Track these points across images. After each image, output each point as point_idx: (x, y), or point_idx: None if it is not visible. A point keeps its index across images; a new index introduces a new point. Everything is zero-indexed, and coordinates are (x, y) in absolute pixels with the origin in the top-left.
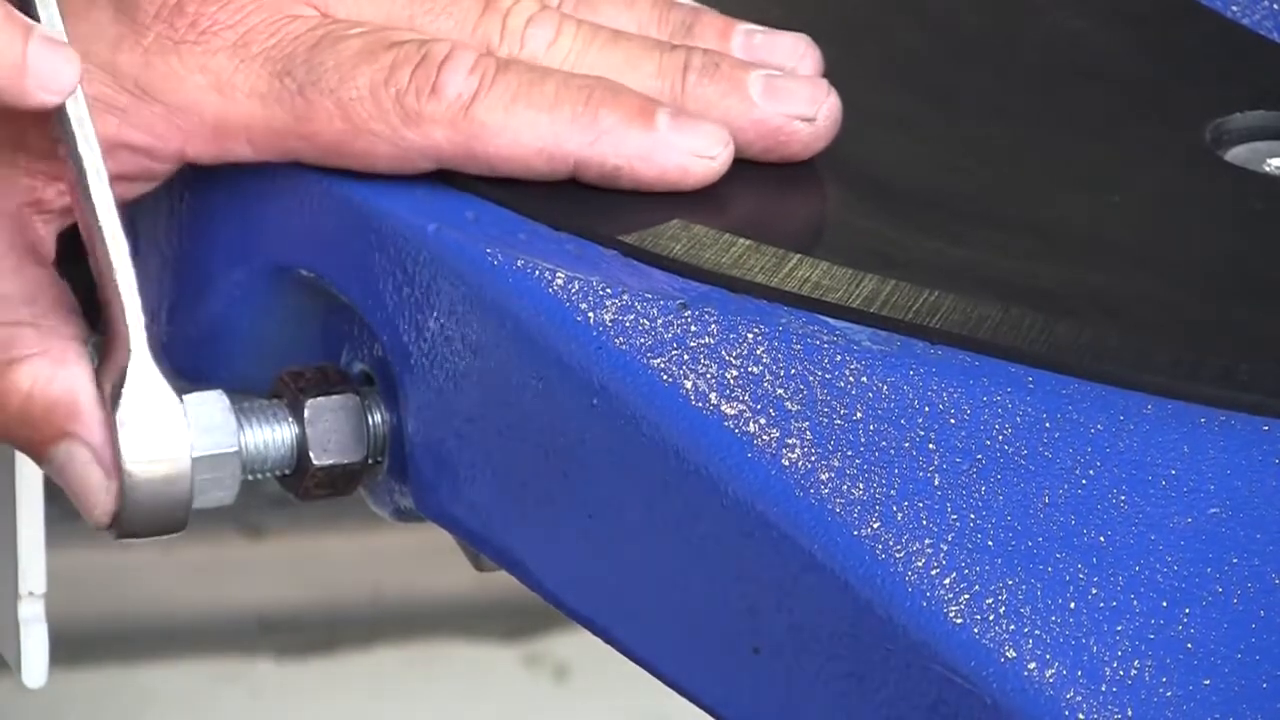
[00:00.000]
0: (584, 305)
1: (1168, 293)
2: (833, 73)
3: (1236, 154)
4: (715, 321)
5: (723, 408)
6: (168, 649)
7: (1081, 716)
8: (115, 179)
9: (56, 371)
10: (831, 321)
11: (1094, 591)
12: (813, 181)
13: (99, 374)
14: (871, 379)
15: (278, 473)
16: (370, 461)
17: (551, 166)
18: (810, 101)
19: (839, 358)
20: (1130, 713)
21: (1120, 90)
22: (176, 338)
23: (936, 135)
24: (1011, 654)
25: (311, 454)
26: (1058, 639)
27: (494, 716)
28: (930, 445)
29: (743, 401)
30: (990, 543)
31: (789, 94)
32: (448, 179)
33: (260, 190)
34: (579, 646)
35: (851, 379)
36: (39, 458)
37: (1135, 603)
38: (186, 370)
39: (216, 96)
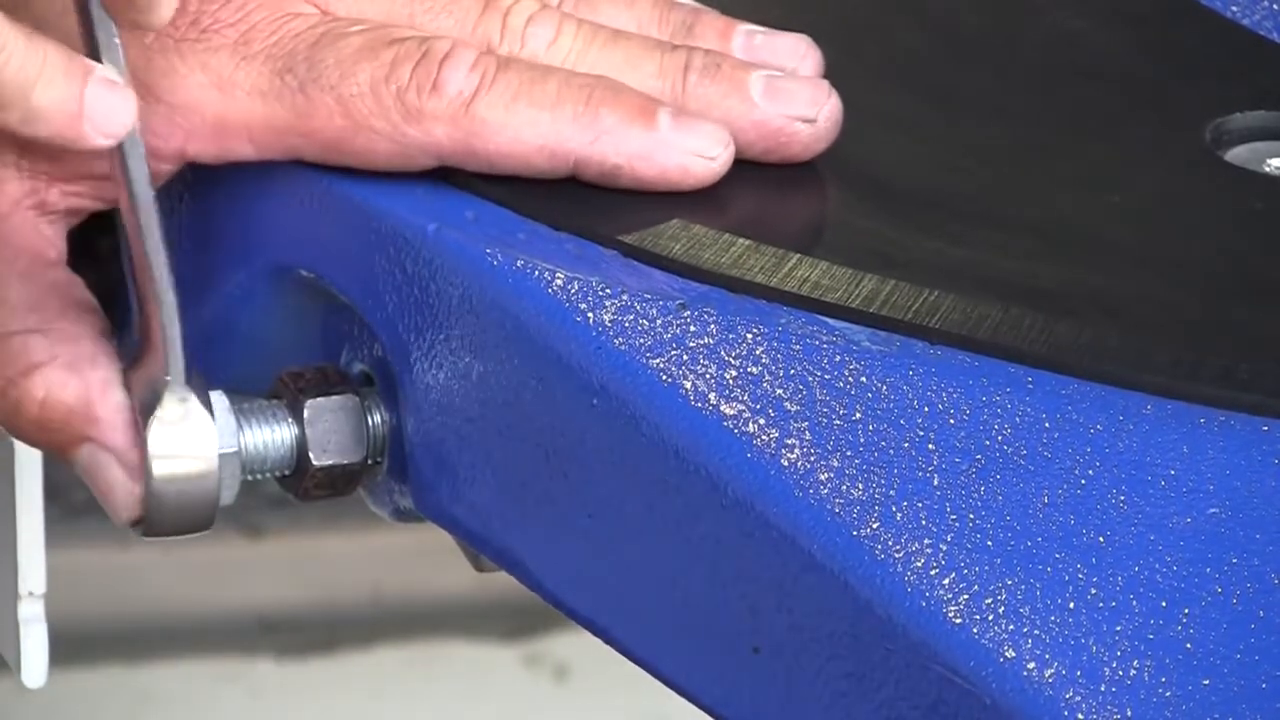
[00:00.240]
0: (584, 305)
1: (1168, 293)
2: (833, 73)
3: (1236, 154)
4: (715, 322)
5: (722, 408)
6: (168, 649)
7: (1081, 716)
8: None
9: (69, 377)
10: (831, 321)
11: (1093, 591)
12: (812, 181)
13: (128, 375)
14: (871, 379)
15: (277, 473)
16: (370, 462)
17: (552, 164)
18: (811, 103)
19: (838, 358)
20: (1129, 713)
21: (1120, 90)
22: None
23: (936, 135)
24: (1011, 654)
25: (311, 454)
26: (1057, 639)
27: (494, 716)
28: (930, 445)
29: (742, 401)
30: (990, 543)
31: (790, 95)
32: (447, 178)
33: (260, 191)
34: (579, 646)
35: (851, 379)
36: (65, 461)
37: (1134, 603)
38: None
39: (217, 94)
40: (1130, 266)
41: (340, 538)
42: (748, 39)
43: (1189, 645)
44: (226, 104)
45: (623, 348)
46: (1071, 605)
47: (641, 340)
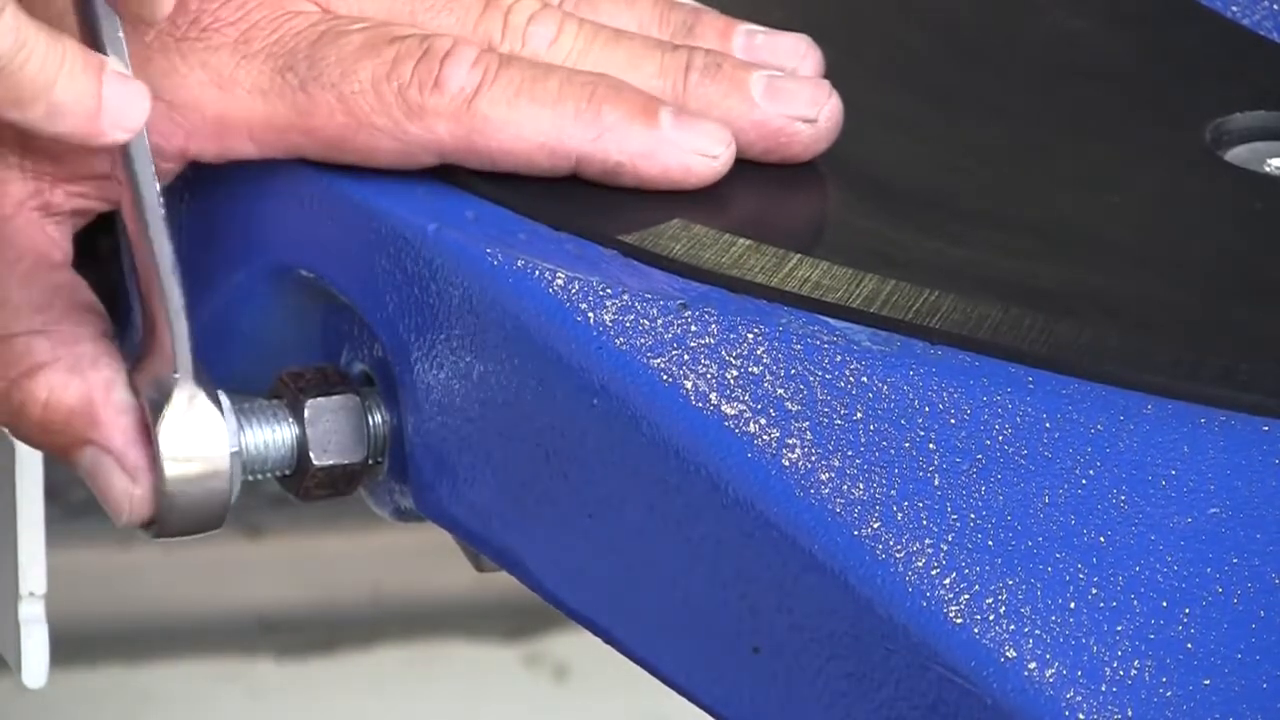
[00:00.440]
0: (584, 305)
1: (1168, 293)
2: (833, 72)
3: (1236, 154)
4: (715, 321)
5: (723, 408)
6: (168, 649)
7: (1081, 717)
8: None
9: (71, 379)
10: (832, 321)
11: (1094, 591)
12: (813, 181)
13: (133, 375)
14: (872, 379)
15: (278, 473)
16: (370, 462)
17: (553, 162)
18: (811, 103)
19: (839, 358)
20: (1130, 713)
21: (1120, 90)
22: None
23: (936, 135)
24: (1011, 654)
25: (311, 454)
26: (1058, 639)
27: (494, 716)
28: (930, 445)
29: (743, 401)
30: (990, 543)
31: (790, 95)
32: (448, 178)
33: (261, 191)
34: (579, 646)
35: (852, 379)
36: (68, 463)
37: (1135, 603)
38: None
39: (218, 93)
40: (1130, 266)
41: (340, 538)
42: (748, 39)
43: (1190, 645)
44: (227, 102)
45: (623, 348)
46: (1072, 605)
47: (642, 340)
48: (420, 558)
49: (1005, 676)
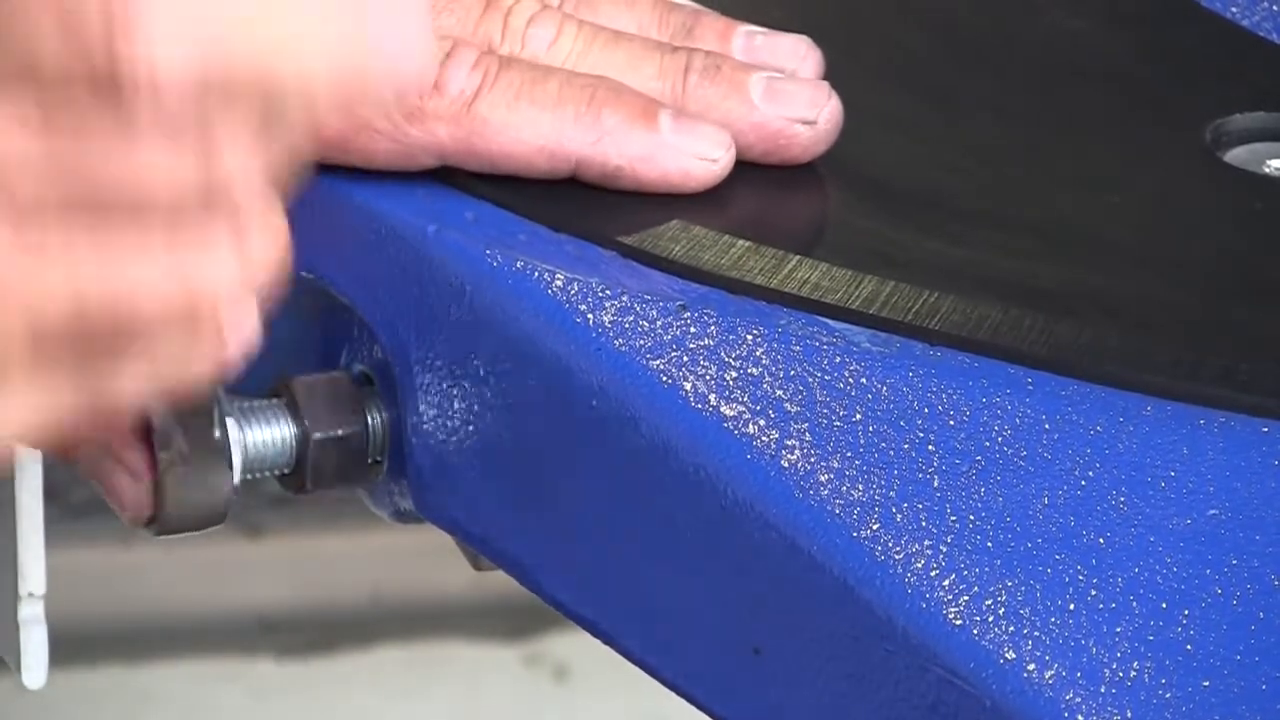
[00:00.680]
0: (583, 307)
1: (1168, 293)
2: (832, 73)
3: (1236, 155)
4: (715, 323)
5: (722, 409)
6: (168, 649)
7: (1081, 718)
8: None
9: None
10: (831, 323)
11: (1093, 593)
12: (812, 182)
13: None
14: (871, 380)
15: (277, 472)
16: (370, 461)
17: (553, 165)
18: (811, 104)
19: (839, 359)
20: (1129, 714)
21: (1120, 90)
22: None
23: (936, 135)
24: (1011, 655)
25: (309, 428)
26: (1057, 640)
27: (494, 716)
28: (930, 447)
29: (742, 403)
30: (990, 544)
31: (790, 97)
32: (448, 179)
33: None
34: (579, 646)
35: (851, 380)
36: (69, 462)
37: (1135, 604)
38: None
39: None
40: (1130, 266)
41: (340, 538)
42: (748, 40)
43: (1189, 647)
44: None
45: (623, 349)
46: (1072, 607)
47: (641, 341)
48: (420, 558)
49: (1005, 678)
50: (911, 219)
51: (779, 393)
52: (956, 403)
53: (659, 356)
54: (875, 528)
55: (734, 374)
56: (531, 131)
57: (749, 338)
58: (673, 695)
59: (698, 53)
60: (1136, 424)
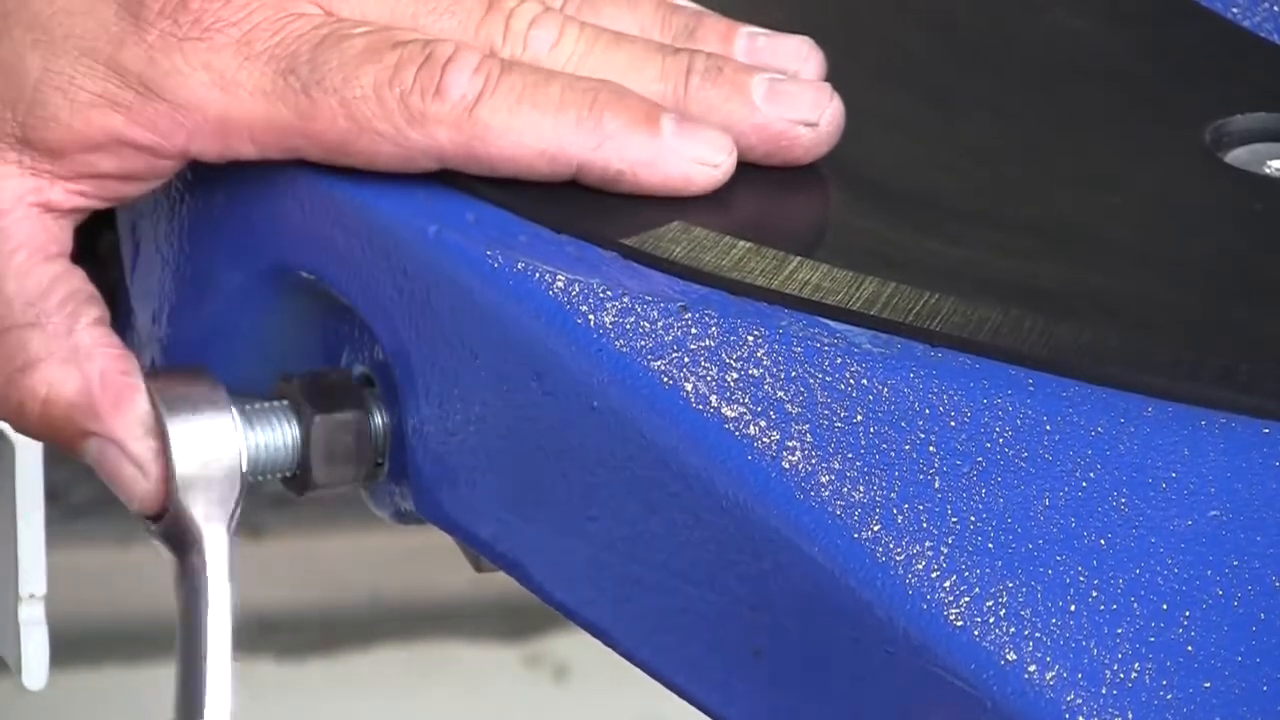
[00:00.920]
0: (584, 308)
1: (1168, 293)
2: (832, 73)
3: (1236, 155)
4: (716, 324)
5: (723, 410)
6: (168, 649)
7: (1082, 719)
8: (119, 177)
9: (68, 372)
10: (832, 324)
11: (1094, 594)
12: (813, 183)
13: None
14: (872, 381)
15: (280, 475)
16: (372, 462)
17: (554, 169)
18: (813, 106)
19: (839, 360)
20: (1130, 715)
21: (1120, 90)
22: (177, 339)
23: (935, 135)
24: (1012, 656)
25: (313, 466)
26: (1058, 642)
27: (494, 716)
28: (931, 448)
29: (743, 404)
30: (991, 545)
31: (792, 99)
32: (448, 181)
33: (261, 192)
34: (579, 646)
35: (852, 381)
36: (76, 455)
37: (1135, 605)
38: None
39: (220, 94)
40: (1130, 266)
41: (340, 538)
42: (750, 41)
43: (1190, 648)
44: (229, 103)
45: (623, 350)
46: (1072, 608)
47: (642, 343)
48: (419, 558)
49: (1005, 679)
50: (910, 219)
51: (780, 394)
52: (957, 404)
53: (660, 357)
54: (876, 529)
55: (735, 375)
56: (533, 136)
57: (750, 339)
58: (673, 695)
59: (700, 54)
60: (1137, 425)
